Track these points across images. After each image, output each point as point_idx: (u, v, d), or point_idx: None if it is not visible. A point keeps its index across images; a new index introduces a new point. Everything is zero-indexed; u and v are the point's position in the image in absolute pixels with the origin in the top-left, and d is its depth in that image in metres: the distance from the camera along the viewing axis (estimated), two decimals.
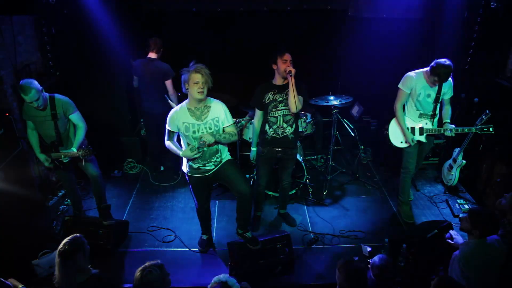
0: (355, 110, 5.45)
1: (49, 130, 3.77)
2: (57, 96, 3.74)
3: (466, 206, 4.53)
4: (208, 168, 3.43)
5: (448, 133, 3.89)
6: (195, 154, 3.23)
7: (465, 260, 2.70)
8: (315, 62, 5.71)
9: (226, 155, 3.51)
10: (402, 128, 4.04)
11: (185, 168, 3.50)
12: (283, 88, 3.60)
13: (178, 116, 3.26)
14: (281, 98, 3.61)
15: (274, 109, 3.64)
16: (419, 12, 5.08)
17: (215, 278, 2.40)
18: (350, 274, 2.40)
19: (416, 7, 5.05)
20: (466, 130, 3.89)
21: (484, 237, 2.79)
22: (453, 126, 3.89)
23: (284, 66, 3.49)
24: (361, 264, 2.53)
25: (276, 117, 3.66)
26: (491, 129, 3.77)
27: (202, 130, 3.25)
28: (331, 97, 4.67)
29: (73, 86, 4.84)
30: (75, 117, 3.83)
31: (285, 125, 3.68)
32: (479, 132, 3.84)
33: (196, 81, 3.10)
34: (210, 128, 3.26)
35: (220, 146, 3.42)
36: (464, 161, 4.41)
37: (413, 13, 5.12)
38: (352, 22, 5.46)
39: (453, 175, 4.52)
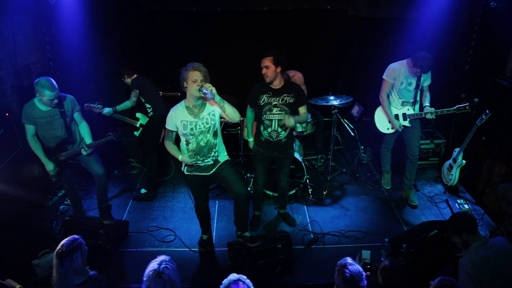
0: (355, 110, 5.45)
1: (56, 130, 3.77)
2: (62, 94, 3.77)
3: (466, 206, 4.52)
4: (207, 164, 3.44)
5: (429, 116, 4.18)
6: (193, 161, 3.31)
7: (471, 264, 2.63)
8: (315, 62, 5.71)
9: (223, 155, 3.53)
10: (389, 116, 4.35)
11: (184, 169, 3.50)
12: (278, 92, 3.61)
13: (176, 115, 3.29)
14: (275, 102, 3.62)
15: (268, 112, 3.66)
16: (418, 12, 5.08)
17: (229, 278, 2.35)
18: (346, 278, 2.38)
19: (415, 7, 5.05)
20: (445, 112, 4.11)
21: (476, 235, 2.79)
22: (433, 109, 4.14)
23: (263, 71, 3.54)
24: (360, 267, 2.49)
25: (271, 120, 3.67)
26: (467, 107, 4.00)
27: (200, 126, 3.28)
28: (331, 97, 4.67)
29: (73, 86, 4.84)
30: (79, 115, 3.90)
31: (279, 129, 3.69)
32: (457, 112, 4.07)
33: (194, 79, 3.13)
34: (207, 123, 3.29)
35: (218, 141, 3.45)
36: (464, 161, 4.41)
37: (413, 13, 5.12)
38: (352, 22, 5.46)
39: (453, 175, 4.52)
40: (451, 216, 3.04)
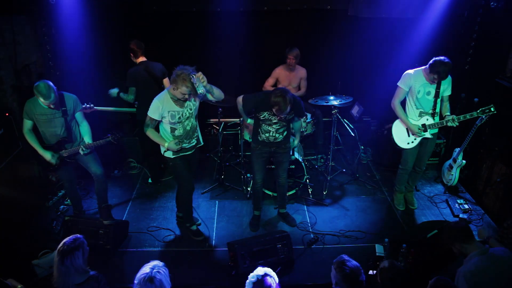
0: (355, 110, 5.45)
1: (56, 128, 3.78)
2: (65, 93, 3.79)
3: (466, 206, 4.52)
4: (192, 145, 3.73)
5: (450, 123, 3.87)
6: (179, 147, 3.53)
7: (470, 274, 2.54)
8: (315, 62, 5.71)
9: (200, 137, 3.83)
10: (406, 122, 4.05)
11: (169, 154, 3.64)
12: None
13: (163, 105, 3.42)
14: (275, 120, 3.69)
15: (267, 125, 3.75)
16: (419, 12, 5.08)
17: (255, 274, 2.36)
18: (346, 274, 2.39)
19: (415, 7, 5.05)
20: (468, 117, 3.85)
21: (472, 244, 2.70)
22: (454, 115, 3.87)
23: (279, 118, 3.63)
24: (357, 262, 2.50)
25: (269, 130, 3.77)
26: (492, 109, 3.73)
27: (185, 113, 3.51)
28: (331, 97, 4.67)
29: (73, 86, 4.84)
30: (80, 115, 3.91)
31: (277, 135, 3.79)
32: (481, 115, 3.81)
33: (184, 92, 3.31)
34: (190, 109, 3.54)
35: (196, 122, 3.71)
36: (464, 161, 4.40)
37: (413, 13, 5.12)
38: (352, 22, 5.46)
39: (453, 175, 4.51)
40: (449, 225, 2.95)
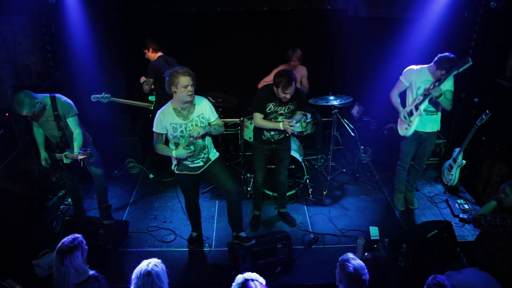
0: (355, 110, 5.45)
1: (52, 130, 3.76)
2: (58, 96, 3.68)
3: (466, 206, 4.52)
4: (196, 165, 3.47)
5: (434, 93, 3.70)
6: (188, 152, 3.28)
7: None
8: (315, 62, 5.71)
9: (214, 153, 3.55)
10: (395, 104, 4.10)
11: (173, 166, 3.51)
12: (285, 102, 3.61)
13: (165, 117, 3.27)
14: (281, 111, 3.65)
15: (273, 120, 3.69)
16: (419, 12, 5.08)
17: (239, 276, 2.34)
18: (350, 273, 2.40)
19: (415, 7, 5.05)
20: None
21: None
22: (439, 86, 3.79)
23: (288, 97, 3.51)
24: (362, 262, 2.51)
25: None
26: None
27: (189, 128, 3.28)
28: (331, 97, 4.66)
29: (73, 86, 4.85)
30: (72, 122, 3.74)
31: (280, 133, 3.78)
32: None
33: (185, 84, 3.11)
34: (196, 125, 3.30)
35: (207, 142, 3.46)
36: (464, 161, 4.41)
37: (413, 13, 5.12)
38: (352, 22, 5.46)
39: (453, 175, 4.52)
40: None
